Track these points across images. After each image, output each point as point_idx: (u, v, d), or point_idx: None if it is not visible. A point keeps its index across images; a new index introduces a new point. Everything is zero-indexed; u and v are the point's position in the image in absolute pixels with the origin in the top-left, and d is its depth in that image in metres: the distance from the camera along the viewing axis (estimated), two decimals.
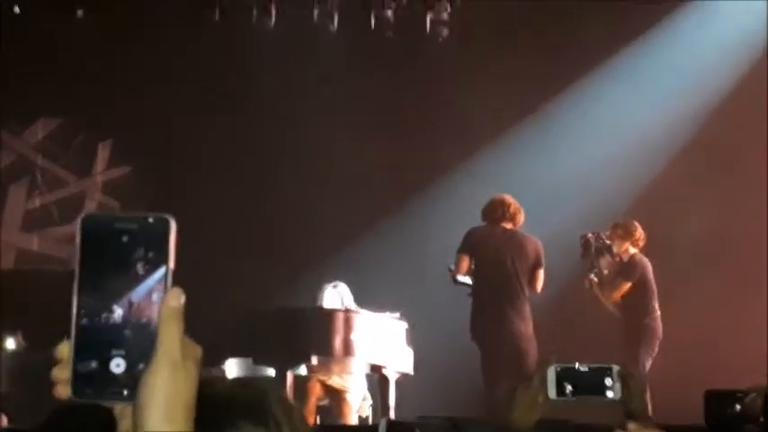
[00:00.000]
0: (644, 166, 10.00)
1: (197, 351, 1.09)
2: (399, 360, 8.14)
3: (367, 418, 8.14)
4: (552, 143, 10.31)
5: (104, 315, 1.07)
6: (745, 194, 9.79)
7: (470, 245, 8.10)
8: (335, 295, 8.16)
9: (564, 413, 3.03)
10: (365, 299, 8.28)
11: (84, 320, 1.07)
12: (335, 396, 8.06)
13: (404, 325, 8.25)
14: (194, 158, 10.31)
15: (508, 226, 8.17)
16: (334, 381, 8.01)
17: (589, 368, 2.39)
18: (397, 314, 8.28)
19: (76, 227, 1.09)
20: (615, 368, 2.40)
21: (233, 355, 7.71)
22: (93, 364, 1.06)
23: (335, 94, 10.34)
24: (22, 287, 8.36)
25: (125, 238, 1.08)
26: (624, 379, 2.40)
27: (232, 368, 7.72)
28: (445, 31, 10.85)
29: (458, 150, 10.29)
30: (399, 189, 10.28)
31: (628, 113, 10.23)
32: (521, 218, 8.21)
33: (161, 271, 1.08)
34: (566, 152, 10.24)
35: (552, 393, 2.38)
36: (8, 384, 7.92)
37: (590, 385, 2.38)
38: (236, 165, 10.39)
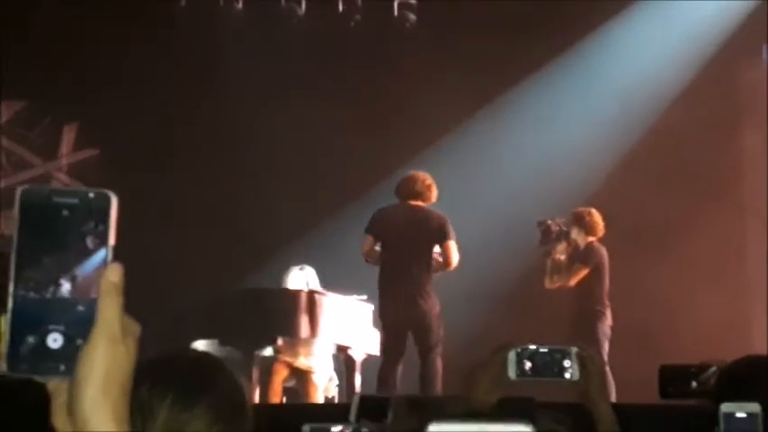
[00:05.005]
0: (598, 156, 10.12)
1: (136, 328, 1.08)
2: (365, 341, 8.22)
3: (333, 398, 8.22)
4: (514, 130, 10.39)
5: (51, 288, 1.05)
6: (701, 183, 9.95)
7: (374, 224, 7.78)
8: (301, 277, 8.21)
9: (529, 391, 3.09)
10: (332, 282, 8.34)
11: (31, 293, 1.04)
12: (302, 377, 8.12)
13: (370, 307, 8.32)
14: (161, 142, 10.31)
15: (417, 203, 7.76)
16: (300, 362, 8.07)
17: (548, 350, 2.47)
18: (364, 296, 8.35)
19: (15, 199, 1.07)
20: (573, 350, 2.47)
21: (199, 336, 7.77)
22: (30, 339, 1.04)
23: (302, 78, 10.36)
24: None
25: (65, 213, 1.06)
26: (582, 361, 2.46)
27: (198, 349, 7.77)
28: (412, 17, 10.90)
29: (423, 136, 10.34)
30: (367, 173, 10.32)
31: (588, 102, 10.34)
32: (431, 194, 7.76)
33: (106, 247, 1.07)
34: (527, 139, 10.33)
35: (512, 374, 2.45)
36: None
37: (549, 367, 2.45)
38: (203, 148, 10.40)
